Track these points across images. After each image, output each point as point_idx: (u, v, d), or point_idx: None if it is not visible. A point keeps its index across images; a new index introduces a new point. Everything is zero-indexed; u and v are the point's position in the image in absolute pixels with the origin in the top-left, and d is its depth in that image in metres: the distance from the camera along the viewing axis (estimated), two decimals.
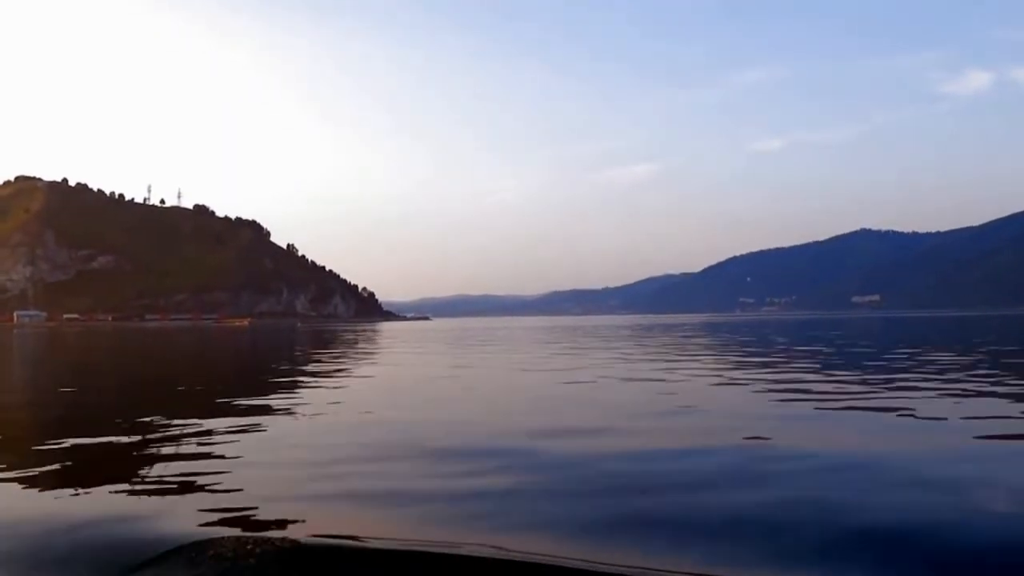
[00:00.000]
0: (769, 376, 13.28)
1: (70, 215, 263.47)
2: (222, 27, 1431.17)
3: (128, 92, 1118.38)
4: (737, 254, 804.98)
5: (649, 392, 10.93)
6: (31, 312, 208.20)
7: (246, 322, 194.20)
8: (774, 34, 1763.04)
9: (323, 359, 21.55)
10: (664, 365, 16.42)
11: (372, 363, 19.97)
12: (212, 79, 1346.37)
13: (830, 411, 8.60)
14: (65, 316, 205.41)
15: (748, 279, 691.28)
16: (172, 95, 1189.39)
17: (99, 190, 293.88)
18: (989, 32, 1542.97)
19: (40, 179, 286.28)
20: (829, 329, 43.81)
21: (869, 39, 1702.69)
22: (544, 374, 14.93)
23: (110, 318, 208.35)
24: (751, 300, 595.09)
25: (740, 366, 16.05)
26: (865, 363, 16.61)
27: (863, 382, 11.94)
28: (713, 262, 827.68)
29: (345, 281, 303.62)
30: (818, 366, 15.88)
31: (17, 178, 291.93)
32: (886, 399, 9.57)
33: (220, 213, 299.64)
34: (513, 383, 13.59)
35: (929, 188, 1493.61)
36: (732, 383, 12.20)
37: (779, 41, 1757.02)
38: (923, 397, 9.59)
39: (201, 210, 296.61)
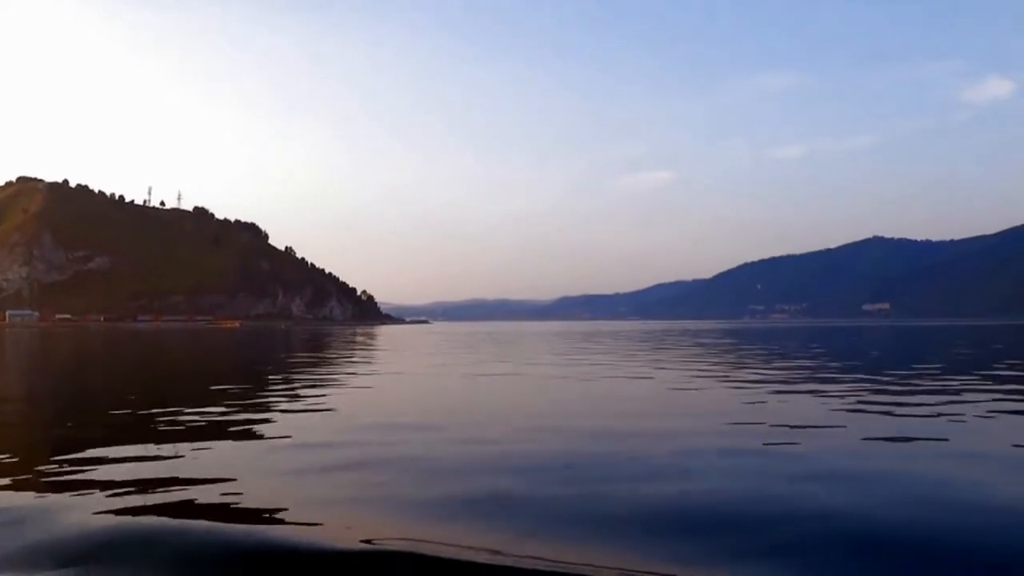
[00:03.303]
0: None
1: (69, 216, 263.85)
2: (225, 30, 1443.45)
3: (133, 94, 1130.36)
4: (749, 260, 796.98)
5: None
6: (23, 312, 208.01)
7: (237, 324, 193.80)
8: (795, 41, 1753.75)
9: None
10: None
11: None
12: (217, 82, 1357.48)
13: None
14: (57, 316, 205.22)
15: (758, 286, 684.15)
16: (177, 97, 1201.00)
17: (99, 191, 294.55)
18: (1010, 40, 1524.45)
19: (41, 180, 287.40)
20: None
21: (890, 47, 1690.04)
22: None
23: (102, 319, 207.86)
24: (760, 307, 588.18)
25: None
26: None
27: None
28: (725, 268, 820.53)
29: (343, 284, 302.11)
30: None
31: (19, 179, 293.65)
32: None
33: (220, 216, 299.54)
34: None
35: (944, 196, 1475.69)
36: None
37: (799, 48, 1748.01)
38: None
39: (200, 212, 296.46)
